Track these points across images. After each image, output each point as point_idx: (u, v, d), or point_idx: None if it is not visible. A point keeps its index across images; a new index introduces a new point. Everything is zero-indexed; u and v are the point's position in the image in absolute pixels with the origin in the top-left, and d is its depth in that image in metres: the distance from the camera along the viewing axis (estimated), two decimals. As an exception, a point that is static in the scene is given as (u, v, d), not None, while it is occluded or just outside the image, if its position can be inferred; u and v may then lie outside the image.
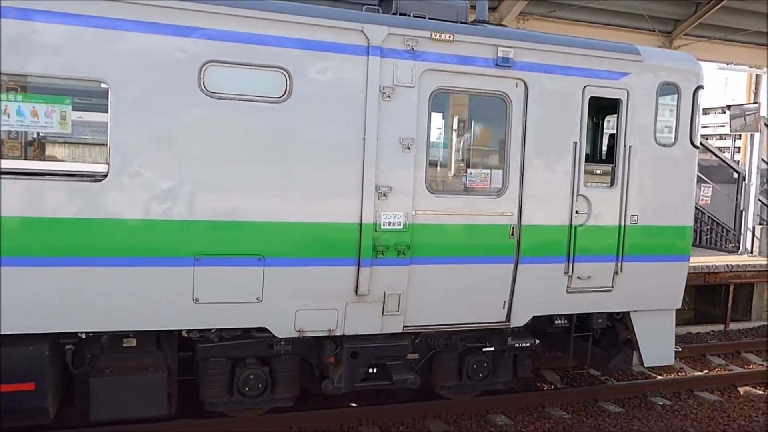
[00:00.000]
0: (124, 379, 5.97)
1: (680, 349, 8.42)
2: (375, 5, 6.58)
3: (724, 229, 16.61)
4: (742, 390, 9.19)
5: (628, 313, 7.62)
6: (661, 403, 8.49)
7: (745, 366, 10.23)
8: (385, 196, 6.27)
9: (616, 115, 7.40)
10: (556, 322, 7.44)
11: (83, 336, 5.94)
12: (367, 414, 7.52)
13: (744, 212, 15.67)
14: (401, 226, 6.36)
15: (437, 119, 6.85)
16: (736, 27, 17.57)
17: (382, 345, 6.70)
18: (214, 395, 6.53)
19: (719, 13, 17.10)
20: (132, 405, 6.01)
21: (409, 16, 6.51)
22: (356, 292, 6.34)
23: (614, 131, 7.68)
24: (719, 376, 9.43)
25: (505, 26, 7.16)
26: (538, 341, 7.93)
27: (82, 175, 5.58)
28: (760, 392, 9.13)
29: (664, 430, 7.79)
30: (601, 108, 8.20)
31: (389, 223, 6.33)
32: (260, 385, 6.57)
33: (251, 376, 6.54)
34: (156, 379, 6.08)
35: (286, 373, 6.73)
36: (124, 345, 6.15)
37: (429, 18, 6.56)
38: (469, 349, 7.36)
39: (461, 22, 6.79)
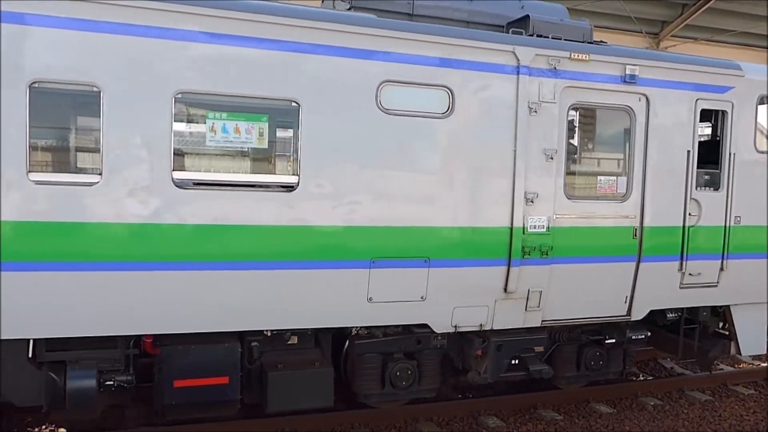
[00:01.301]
0: (298, 374, 6.60)
1: None
2: (519, 28, 7.17)
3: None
4: (732, 389, 9.21)
5: (728, 306, 8.28)
6: (652, 404, 8.50)
7: (736, 365, 10.26)
8: (532, 202, 6.89)
9: (716, 125, 8.22)
10: (669, 315, 8.19)
11: (268, 333, 6.59)
12: (359, 417, 7.48)
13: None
14: (544, 229, 6.98)
15: (572, 131, 7.46)
16: (722, 28, 17.71)
17: (523, 338, 7.39)
18: (368, 388, 7.15)
19: (705, 15, 17.23)
20: (304, 397, 6.64)
21: (547, 37, 7.09)
22: (505, 289, 6.94)
23: (707, 138, 8.63)
24: (710, 376, 9.45)
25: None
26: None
27: (277, 186, 6.16)
28: (751, 391, 9.16)
29: (656, 430, 7.81)
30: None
31: (534, 227, 6.94)
32: (410, 378, 7.19)
33: (402, 370, 7.15)
34: (324, 373, 6.73)
35: (431, 367, 7.35)
36: (288, 342, 6.75)
37: (564, 39, 7.19)
38: (588, 341, 8.02)
39: (587, 42, 7.43)
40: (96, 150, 5.61)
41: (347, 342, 7.11)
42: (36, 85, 5.31)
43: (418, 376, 7.25)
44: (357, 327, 6.85)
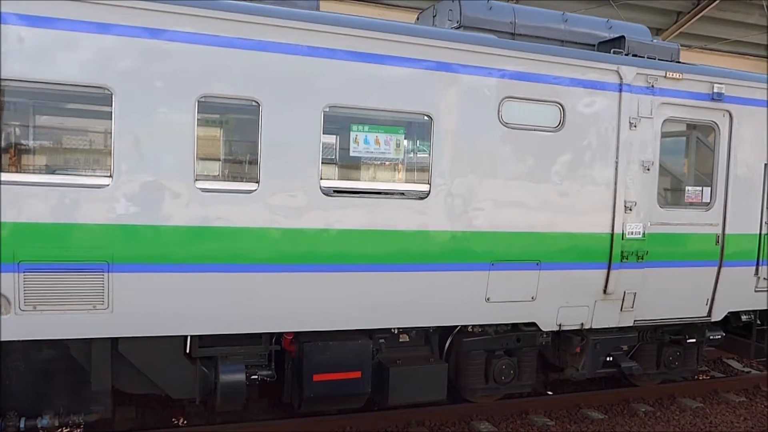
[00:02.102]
0: (416, 369, 7.09)
1: None
2: (614, 48, 7.68)
3: None
4: (723, 396, 9.24)
5: None
6: (643, 410, 8.52)
7: (727, 372, 10.29)
8: (630, 210, 7.44)
9: None
10: (743, 317, 8.67)
11: (395, 331, 7.14)
12: (351, 421, 7.47)
13: None
14: (640, 235, 7.52)
15: (664, 144, 7.87)
16: (716, 36, 17.81)
17: (617, 337, 7.96)
18: (473, 382, 7.60)
19: (700, 23, 17.34)
20: (421, 391, 7.14)
21: (642, 57, 7.60)
22: (605, 291, 7.49)
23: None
24: (701, 383, 9.48)
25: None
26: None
27: (410, 194, 6.64)
28: (742, 398, 9.19)
29: (647, 437, 7.84)
30: None
31: (632, 233, 7.48)
32: (511, 373, 7.67)
33: (505, 366, 7.61)
34: (439, 369, 7.24)
35: (530, 363, 7.84)
36: (400, 340, 7.24)
37: (658, 59, 7.71)
38: (669, 341, 8.50)
39: (675, 61, 7.92)
40: (254, 161, 6.10)
41: (449, 340, 7.56)
42: (203, 99, 5.80)
43: (518, 372, 7.74)
44: (473, 325, 7.41)
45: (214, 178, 6.36)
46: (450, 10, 7.54)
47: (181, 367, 6.29)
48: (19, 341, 5.61)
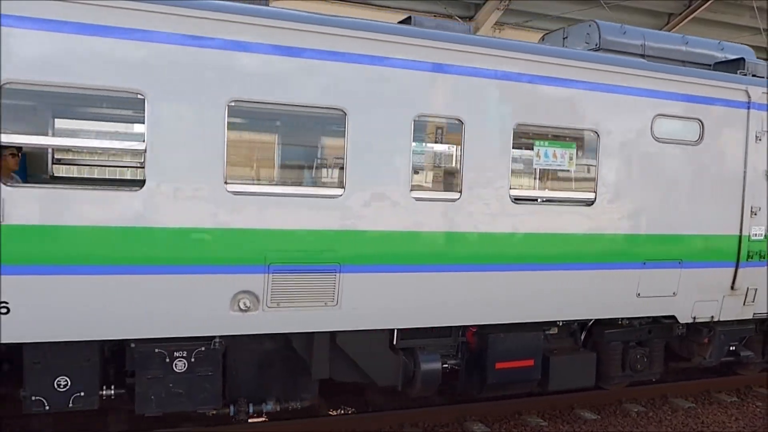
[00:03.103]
0: (573, 357, 7.91)
1: None
2: (740, 69, 8.46)
3: None
4: (715, 397, 9.29)
5: None
6: (635, 410, 8.55)
7: (719, 373, 10.34)
8: (755, 214, 8.30)
9: None
10: None
11: (560, 324, 7.87)
12: (344, 422, 7.47)
13: None
14: (762, 236, 8.39)
15: None
16: (708, 38, 17.88)
17: (738, 328, 8.80)
18: (611, 371, 8.19)
19: (690, 25, 17.42)
20: (574, 378, 7.90)
21: (762, 77, 8.39)
22: (732, 287, 8.30)
23: None
24: (693, 383, 9.52)
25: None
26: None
27: (579, 202, 7.47)
28: (734, 399, 9.24)
29: (640, 437, 7.87)
30: None
31: (756, 235, 8.34)
32: (645, 362, 8.36)
33: (640, 355, 8.30)
34: (590, 357, 8.02)
35: (659, 353, 8.52)
36: (548, 332, 7.86)
37: None
38: None
39: None
40: (456, 171, 6.93)
41: (584, 331, 8.22)
42: (418, 119, 6.59)
43: (650, 361, 8.41)
44: (623, 318, 8.11)
45: (425, 189, 7.42)
46: (587, 33, 8.39)
47: (387, 357, 6.99)
48: (246, 336, 6.30)
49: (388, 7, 14.49)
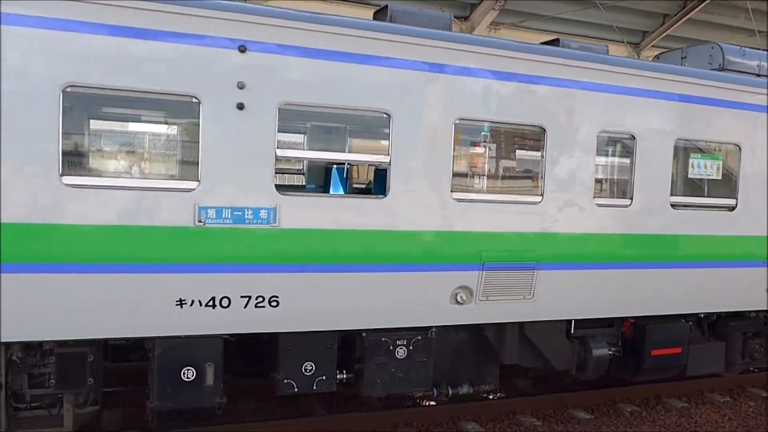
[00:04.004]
0: (706, 346, 8.59)
1: None
2: None
3: None
4: (708, 396, 9.32)
5: None
6: (629, 410, 8.58)
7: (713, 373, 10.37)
8: None
9: None
10: None
11: (702, 315, 8.61)
12: (338, 421, 7.47)
13: None
14: None
15: None
16: (701, 39, 17.93)
17: None
18: (734, 359, 8.82)
19: (685, 26, 17.45)
20: (708, 365, 8.64)
21: None
22: None
23: None
24: (687, 383, 9.55)
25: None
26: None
27: (722, 207, 8.24)
28: (727, 399, 9.28)
29: (633, 437, 7.89)
30: None
31: None
32: (762, 351, 9.03)
33: (759, 345, 8.98)
34: (719, 347, 8.69)
35: None
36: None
37: None
38: None
39: None
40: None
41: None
42: (602, 134, 7.41)
43: (765, 349, 9.06)
44: (753, 311, 8.82)
45: (604, 196, 7.97)
46: (710, 54, 8.86)
47: (565, 345, 7.84)
48: (449, 326, 7.08)
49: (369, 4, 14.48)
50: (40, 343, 5.80)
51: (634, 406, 8.74)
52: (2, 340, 5.45)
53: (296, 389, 6.52)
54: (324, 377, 6.62)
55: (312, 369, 6.59)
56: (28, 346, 5.82)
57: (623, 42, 17.34)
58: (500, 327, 7.48)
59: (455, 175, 6.81)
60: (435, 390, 7.33)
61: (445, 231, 6.72)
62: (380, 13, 7.04)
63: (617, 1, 15.92)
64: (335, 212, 6.35)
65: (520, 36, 15.17)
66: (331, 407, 8.03)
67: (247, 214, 6.00)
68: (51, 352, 5.85)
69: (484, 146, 7.70)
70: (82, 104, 6.62)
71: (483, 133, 7.53)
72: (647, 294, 7.82)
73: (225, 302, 5.98)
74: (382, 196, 6.50)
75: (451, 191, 6.69)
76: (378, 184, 6.83)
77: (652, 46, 17.58)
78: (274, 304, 6.14)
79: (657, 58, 9.84)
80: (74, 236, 5.50)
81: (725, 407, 8.99)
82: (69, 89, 5.42)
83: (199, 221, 5.84)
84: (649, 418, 8.43)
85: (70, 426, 6.12)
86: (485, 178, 7.99)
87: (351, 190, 9.54)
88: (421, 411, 7.88)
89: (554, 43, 7.67)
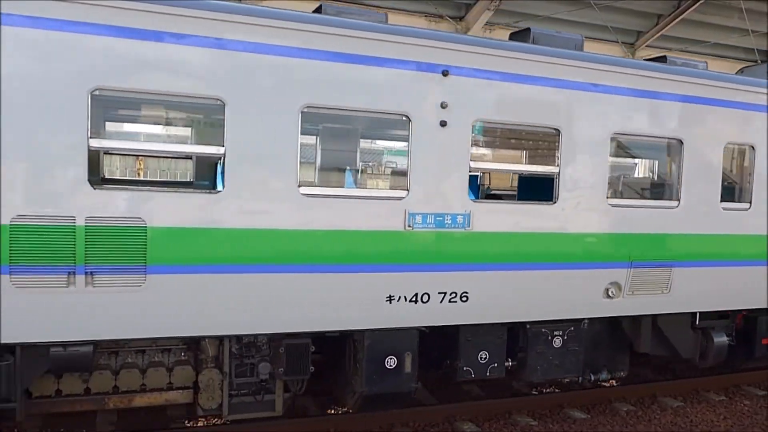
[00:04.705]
0: None
1: None
2: None
3: None
4: (704, 395, 9.35)
5: None
6: (625, 409, 8.60)
7: (708, 372, 10.39)
8: None
9: None
10: None
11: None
12: (335, 422, 7.46)
13: None
14: None
15: None
16: (695, 39, 17.98)
17: None
18: None
19: (680, 26, 17.49)
20: None
21: None
22: None
23: None
24: (682, 382, 9.58)
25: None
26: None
27: None
28: (722, 397, 9.30)
29: (629, 436, 7.91)
30: None
31: None
32: None
33: None
34: None
35: None
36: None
37: None
38: None
39: None
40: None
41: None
42: (728, 145, 8.29)
43: None
44: None
45: (728, 201, 8.46)
46: None
47: (690, 335, 8.64)
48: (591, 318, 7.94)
49: (379, 7, 14.49)
50: (255, 337, 6.66)
51: (630, 405, 8.76)
52: (264, 331, 6.43)
53: (473, 375, 7.47)
54: (495, 364, 7.56)
55: (486, 357, 7.50)
56: (239, 340, 6.66)
57: (618, 42, 17.37)
58: (635, 319, 8.34)
59: (609, 183, 7.67)
60: (581, 377, 8.31)
61: (602, 233, 7.68)
62: (520, 35, 7.83)
63: (612, 1, 15.95)
64: (517, 217, 7.26)
65: (515, 36, 15.16)
66: (326, 408, 8.01)
67: (447, 219, 6.84)
68: (267, 344, 6.74)
69: (635, 158, 8.92)
70: (316, 123, 7.59)
71: (636, 147, 8.73)
72: (760, 289, 8.70)
73: (425, 298, 6.83)
74: (551, 202, 7.37)
75: (607, 198, 7.60)
76: (546, 191, 7.55)
77: (647, 46, 17.62)
78: (464, 299, 7.01)
79: (741, 71, 10.00)
80: (308, 240, 6.33)
81: (720, 406, 9.01)
82: (306, 109, 6.28)
83: (409, 226, 6.67)
84: (645, 418, 8.44)
85: (281, 410, 6.98)
86: (633, 185, 9.06)
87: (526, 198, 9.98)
88: (418, 411, 7.88)
89: (661, 59, 8.55)
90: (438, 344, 7.50)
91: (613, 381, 9.23)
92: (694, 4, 16.62)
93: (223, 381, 6.68)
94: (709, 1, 16.52)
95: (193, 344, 6.74)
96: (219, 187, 6.09)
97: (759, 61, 9.71)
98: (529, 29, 7.63)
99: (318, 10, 6.68)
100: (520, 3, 15.59)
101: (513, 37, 8.00)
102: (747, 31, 16.78)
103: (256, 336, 6.64)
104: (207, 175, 7.88)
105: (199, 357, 6.72)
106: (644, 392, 9.18)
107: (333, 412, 7.95)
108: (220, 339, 6.59)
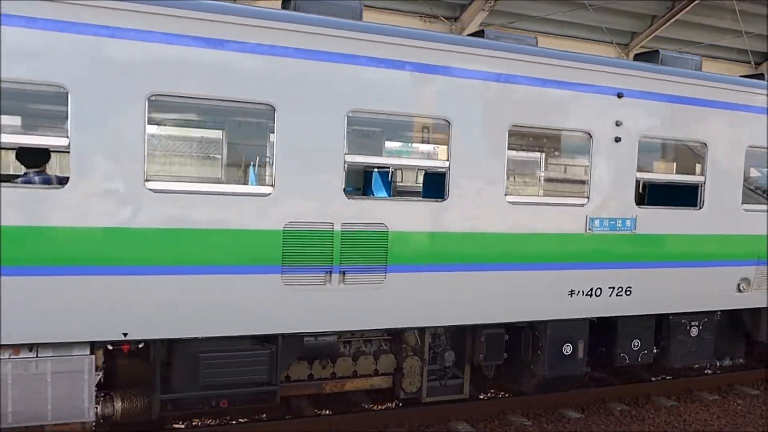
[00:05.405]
0: None
1: None
2: None
3: None
4: (697, 395, 9.38)
5: None
6: (619, 409, 8.62)
7: (701, 372, 10.43)
8: None
9: None
10: None
11: None
12: (330, 422, 7.46)
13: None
14: None
15: None
16: (689, 40, 18.03)
17: None
18: None
19: (674, 27, 17.52)
20: None
21: None
22: None
23: None
24: (675, 382, 9.60)
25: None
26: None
27: None
28: (715, 397, 9.33)
29: (623, 435, 7.92)
30: None
31: None
32: None
33: None
34: None
35: None
36: None
37: None
38: None
39: None
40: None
41: None
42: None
43: None
44: None
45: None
46: None
47: None
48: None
49: (373, 7, 14.49)
50: (446, 328, 7.63)
51: (624, 405, 8.78)
52: (466, 323, 7.41)
53: (627, 361, 8.40)
54: (645, 351, 8.50)
55: (638, 345, 8.43)
56: (435, 331, 7.64)
57: (612, 43, 17.41)
58: (755, 311, 9.15)
59: (744, 190, 8.69)
60: (710, 362, 9.28)
61: (737, 235, 8.64)
62: (647, 56, 8.62)
63: (606, 2, 15.99)
64: (671, 220, 8.21)
65: (510, 37, 15.17)
66: (321, 408, 8.01)
67: (618, 223, 7.88)
68: (444, 335, 7.69)
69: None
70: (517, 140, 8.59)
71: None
72: None
73: (598, 292, 7.86)
74: (697, 208, 8.38)
75: (741, 203, 8.62)
76: (691, 198, 8.51)
77: (641, 47, 17.66)
78: (628, 293, 8.03)
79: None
80: (513, 241, 7.35)
81: (714, 405, 9.05)
82: (512, 128, 7.24)
83: (589, 229, 7.69)
84: (639, 417, 8.46)
85: (467, 393, 7.98)
86: (763, 190, 9.69)
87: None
88: (412, 411, 7.88)
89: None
90: (594, 333, 8.31)
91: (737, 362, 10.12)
92: (688, 6, 16.67)
93: (422, 367, 7.56)
94: (702, 3, 16.58)
95: (395, 335, 7.66)
96: (445, 197, 6.98)
97: (752, 62, 9.71)
98: (657, 51, 8.57)
99: (480, 34, 7.59)
100: (514, 4, 15.61)
101: (638, 57, 8.93)
102: (740, 32, 16.85)
103: (447, 327, 7.60)
104: (435, 185, 8.65)
105: (400, 347, 7.63)
106: (638, 392, 9.21)
107: (328, 412, 7.95)
108: (422, 330, 7.54)
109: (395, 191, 8.71)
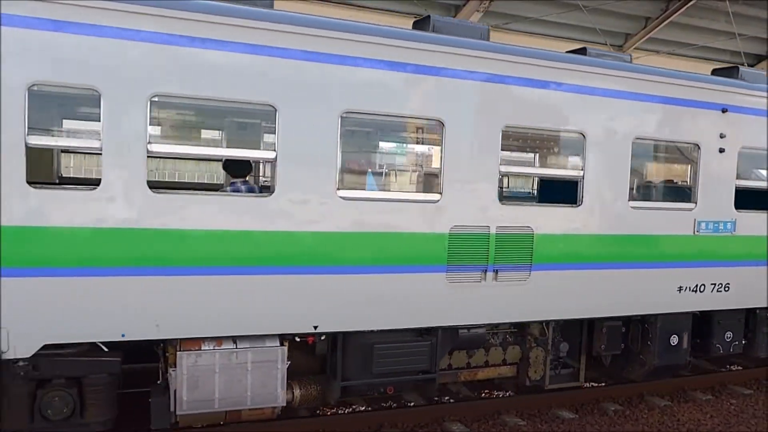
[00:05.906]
0: None
1: None
2: None
3: None
4: (691, 395, 9.41)
5: None
6: (613, 409, 8.64)
7: (694, 371, 10.47)
8: None
9: None
10: None
11: None
12: (325, 423, 7.46)
13: None
14: None
15: None
16: (683, 42, 18.10)
17: None
18: None
19: (667, 29, 17.59)
20: None
21: None
22: None
23: None
24: (669, 382, 9.63)
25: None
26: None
27: None
28: (708, 397, 9.37)
29: (617, 435, 7.95)
30: None
31: None
32: None
33: None
34: None
35: None
36: None
37: None
38: None
39: None
40: None
41: None
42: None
43: None
44: None
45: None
46: None
47: None
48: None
49: (368, 8, 14.50)
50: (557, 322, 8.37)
51: (618, 405, 8.81)
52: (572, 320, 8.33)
53: (721, 351, 9.28)
54: (737, 342, 9.41)
55: (731, 337, 9.34)
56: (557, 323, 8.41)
57: (606, 44, 17.45)
58: None
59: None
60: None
61: None
62: (726, 71, 9.29)
63: (600, 3, 16.04)
64: (762, 223, 9.12)
65: (506, 38, 15.22)
66: (315, 408, 8.01)
67: (720, 225, 8.79)
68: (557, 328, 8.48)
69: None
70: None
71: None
72: None
73: (701, 288, 8.79)
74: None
75: None
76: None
77: (635, 49, 17.72)
78: (726, 289, 8.97)
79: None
80: (633, 242, 8.25)
81: (707, 405, 9.08)
82: (636, 141, 8.16)
83: (696, 231, 8.60)
84: (633, 417, 8.49)
85: (582, 380, 8.89)
86: None
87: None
88: (406, 411, 7.89)
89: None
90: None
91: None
92: (681, 8, 16.74)
93: (546, 357, 8.41)
94: (696, 4, 16.64)
95: (520, 328, 8.45)
96: (578, 203, 7.85)
97: (745, 64, 9.85)
98: (737, 67, 9.29)
99: (582, 52, 8.24)
100: (510, 4, 15.64)
101: (716, 72, 9.53)
102: (734, 34, 16.92)
103: (557, 321, 8.33)
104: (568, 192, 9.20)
105: (524, 338, 8.45)
106: (632, 392, 9.24)
107: (322, 413, 7.95)
108: (545, 323, 8.32)
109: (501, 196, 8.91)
